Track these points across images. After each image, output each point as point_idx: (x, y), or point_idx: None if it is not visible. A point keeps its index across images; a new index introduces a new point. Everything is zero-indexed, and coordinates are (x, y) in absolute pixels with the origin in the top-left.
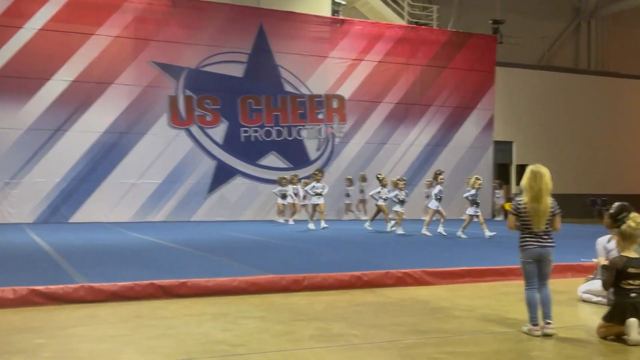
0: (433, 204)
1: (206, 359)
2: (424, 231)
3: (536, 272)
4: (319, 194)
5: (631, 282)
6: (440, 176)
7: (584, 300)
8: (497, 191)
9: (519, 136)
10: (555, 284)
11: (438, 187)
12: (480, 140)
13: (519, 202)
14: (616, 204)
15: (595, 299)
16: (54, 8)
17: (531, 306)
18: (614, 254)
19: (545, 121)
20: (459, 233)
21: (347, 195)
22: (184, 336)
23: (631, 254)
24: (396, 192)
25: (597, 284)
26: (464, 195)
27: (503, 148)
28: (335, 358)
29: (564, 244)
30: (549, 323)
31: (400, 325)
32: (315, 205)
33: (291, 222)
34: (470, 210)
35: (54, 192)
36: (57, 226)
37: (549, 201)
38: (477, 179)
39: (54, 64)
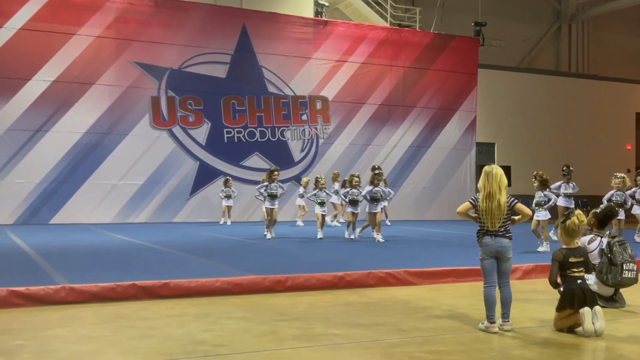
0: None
1: None
2: None
3: (494, 269)
4: (378, 199)
5: (575, 270)
6: None
7: None
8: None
9: (500, 138)
10: (536, 284)
11: None
12: (463, 142)
13: (477, 199)
14: (604, 204)
15: None
16: (34, 7)
17: (488, 304)
18: (595, 254)
19: (526, 123)
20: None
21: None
22: (165, 337)
23: (571, 245)
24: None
25: None
26: (629, 193)
27: (485, 149)
28: (318, 358)
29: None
30: (506, 321)
31: (382, 325)
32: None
33: (335, 222)
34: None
35: (34, 193)
36: (38, 227)
37: (502, 200)
38: None
39: (35, 64)
